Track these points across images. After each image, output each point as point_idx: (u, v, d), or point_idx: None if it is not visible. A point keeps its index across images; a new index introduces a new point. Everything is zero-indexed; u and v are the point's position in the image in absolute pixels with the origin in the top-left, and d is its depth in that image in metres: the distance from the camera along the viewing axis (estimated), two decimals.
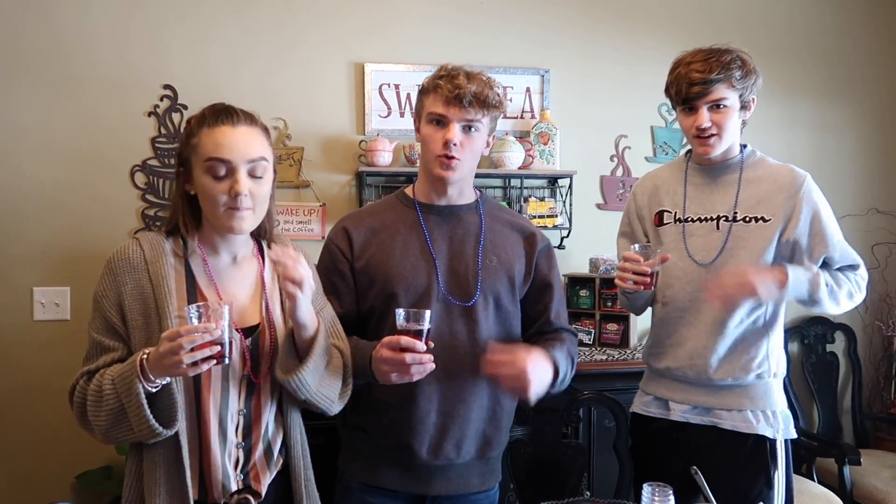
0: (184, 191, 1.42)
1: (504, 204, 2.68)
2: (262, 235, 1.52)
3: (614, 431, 2.03)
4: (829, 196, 1.85)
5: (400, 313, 1.42)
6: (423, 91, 1.63)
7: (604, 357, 2.81)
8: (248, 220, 1.38)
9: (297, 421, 1.48)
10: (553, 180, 3.14)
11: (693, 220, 1.84)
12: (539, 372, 1.50)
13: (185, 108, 2.83)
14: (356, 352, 1.53)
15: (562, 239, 3.07)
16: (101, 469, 2.62)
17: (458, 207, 1.67)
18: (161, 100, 2.83)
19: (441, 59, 2.96)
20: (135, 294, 1.36)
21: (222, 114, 1.38)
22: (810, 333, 3.31)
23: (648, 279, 1.71)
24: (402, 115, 3.01)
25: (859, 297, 1.82)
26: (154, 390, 1.28)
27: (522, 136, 3.08)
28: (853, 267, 1.81)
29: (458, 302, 1.60)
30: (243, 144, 1.36)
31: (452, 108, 1.55)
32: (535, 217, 2.94)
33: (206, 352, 1.21)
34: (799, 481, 2.73)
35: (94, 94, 2.77)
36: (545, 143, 3.05)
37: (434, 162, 1.60)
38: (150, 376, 1.26)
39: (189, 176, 1.40)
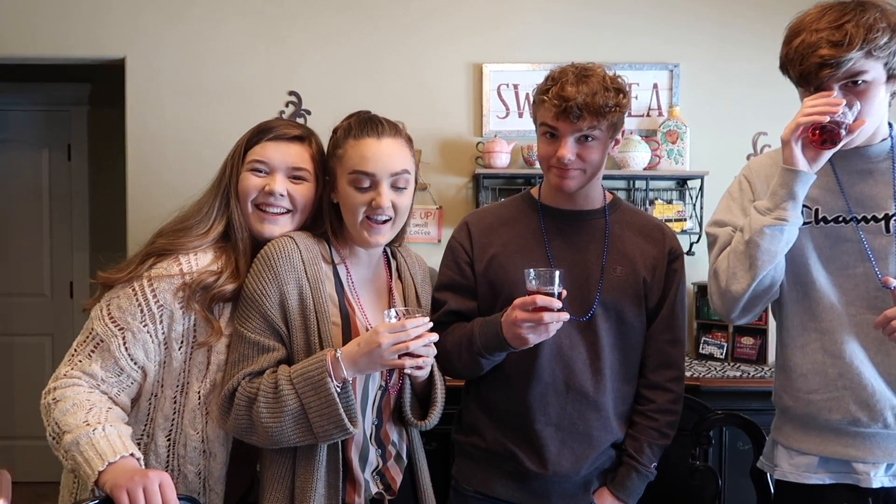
0: (329, 199, 1.45)
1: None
2: (392, 243, 1.54)
3: (750, 455, 1.85)
4: None
5: (530, 274, 1.37)
6: (535, 100, 1.54)
7: (737, 374, 2.60)
8: (386, 234, 1.41)
9: None
10: (682, 181, 2.96)
11: (843, 220, 1.45)
12: None
13: (309, 113, 2.92)
14: (481, 328, 1.48)
15: (691, 244, 2.88)
16: None
17: (584, 213, 1.58)
18: (286, 105, 2.94)
19: (561, 56, 2.88)
20: (295, 294, 1.36)
21: (368, 125, 1.40)
22: None
23: (840, 125, 1.30)
24: (520, 115, 2.94)
25: None
26: (339, 390, 1.29)
27: (648, 135, 2.93)
28: None
29: (576, 316, 1.52)
30: (387, 157, 1.37)
31: (562, 122, 1.45)
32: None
33: (424, 341, 1.28)
34: None
35: (226, 102, 2.92)
36: (673, 142, 2.87)
37: (550, 172, 1.54)
38: (344, 373, 1.28)
39: (333, 185, 1.42)
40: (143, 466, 1.25)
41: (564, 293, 1.37)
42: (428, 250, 2.84)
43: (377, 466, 1.43)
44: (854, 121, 1.32)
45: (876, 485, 1.40)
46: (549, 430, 1.51)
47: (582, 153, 1.47)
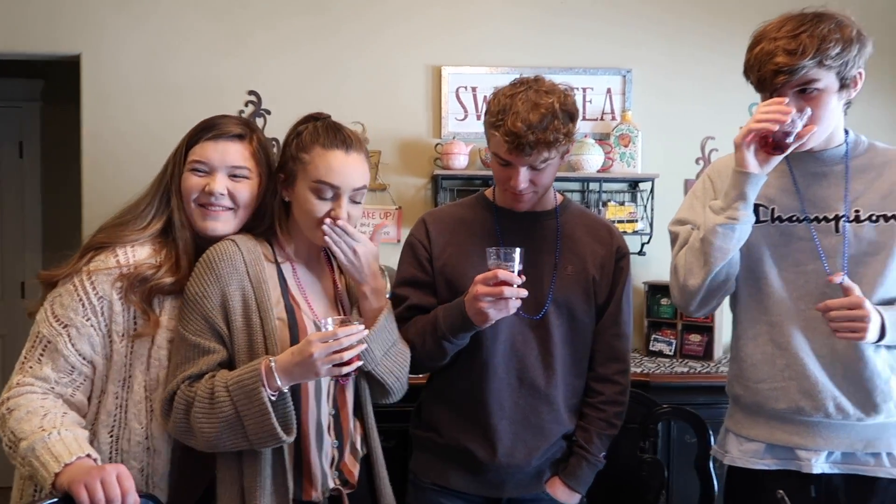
0: (280, 196, 1.45)
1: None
2: None
3: (695, 448, 1.92)
4: None
5: (491, 253, 1.41)
6: (486, 127, 1.54)
7: (685, 369, 2.69)
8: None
9: (371, 412, 1.54)
10: (634, 184, 3.04)
11: (797, 219, 1.51)
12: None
13: (268, 112, 2.92)
14: (445, 311, 1.51)
15: (642, 245, 2.96)
16: None
17: (536, 214, 1.63)
18: (246, 105, 2.93)
19: (518, 60, 2.96)
20: (238, 296, 1.36)
21: (337, 136, 1.41)
22: None
23: (789, 134, 1.37)
24: (478, 117, 2.98)
25: None
26: (274, 398, 1.28)
27: (602, 139, 3.00)
28: None
29: (529, 315, 1.58)
30: (353, 172, 1.40)
31: (514, 156, 1.47)
32: (613, 222, 2.86)
33: (356, 351, 1.27)
34: None
35: (185, 101, 2.90)
36: (626, 146, 2.95)
37: (505, 193, 1.58)
38: (278, 382, 1.27)
39: (290, 185, 1.43)
40: None
41: (524, 279, 1.41)
42: (387, 251, 2.86)
43: (334, 460, 1.44)
44: (804, 125, 1.39)
45: (817, 471, 1.49)
46: (503, 423, 1.55)
47: (535, 178, 1.51)
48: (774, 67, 1.38)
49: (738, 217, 1.44)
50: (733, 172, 1.44)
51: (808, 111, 1.39)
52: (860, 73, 1.44)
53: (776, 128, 1.37)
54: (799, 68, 1.37)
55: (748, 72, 1.48)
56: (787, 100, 1.39)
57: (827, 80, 1.40)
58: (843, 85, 1.42)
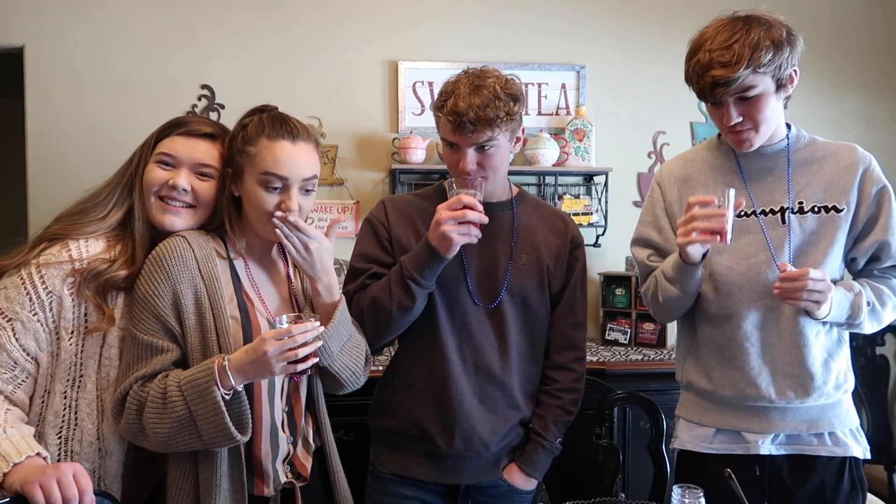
0: (230, 192, 1.43)
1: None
2: None
3: (649, 433, 1.98)
4: None
5: (451, 184, 1.48)
6: (434, 113, 1.59)
7: (639, 357, 2.75)
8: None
9: (324, 405, 1.53)
10: (589, 177, 3.10)
11: (745, 214, 1.57)
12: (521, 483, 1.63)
13: (222, 107, 2.88)
14: (409, 254, 1.53)
15: (597, 237, 3.02)
16: None
17: (492, 205, 1.65)
18: (199, 99, 2.89)
19: (474, 55, 2.98)
20: (190, 294, 1.34)
21: (283, 127, 1.39)
22: (859, 336, 3.19)
23: (724, 228, 1.40)
24: None
25: None
26: (228, 397, 1.27)
27: (557, 133, 3.05)
28: None
29: (485, 304, 1.60)
30: (301, 162, 1.38)
31: (459, 136, 1.50)
32: (569, 215, 2.91)
33: (312, 348, 1.26)
34: None
35: (134, 95, 2.84)
36: (580, 140, 3.01)
37: (457, 179, 1.60)
38: (231, 381, 1.26)
39: (239, 180, 1.41)
40: None
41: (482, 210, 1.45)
42: (345, 245, 2.86)
43: (288, 455, 1.43)
44: (735, 202, 1.42)
45: (763, 452, 1.57)
46: (461, 409, 1.57)
47: (482, 161, 1.53)
48: (712, 80, 1.43)
49: (690, 288, 1.55)
50: (679, 263, 1.51)
51: (733, 191, 1.42)
52: (795, 71, 1.49)
53: (717, 239, 1.42)
54: (735, 79, 1.42)
55: (688, 81, 1.53)
56: (716, 200, 1.41)
57: (763, 84, 1.45)
58: (780, 85, 1.48)
